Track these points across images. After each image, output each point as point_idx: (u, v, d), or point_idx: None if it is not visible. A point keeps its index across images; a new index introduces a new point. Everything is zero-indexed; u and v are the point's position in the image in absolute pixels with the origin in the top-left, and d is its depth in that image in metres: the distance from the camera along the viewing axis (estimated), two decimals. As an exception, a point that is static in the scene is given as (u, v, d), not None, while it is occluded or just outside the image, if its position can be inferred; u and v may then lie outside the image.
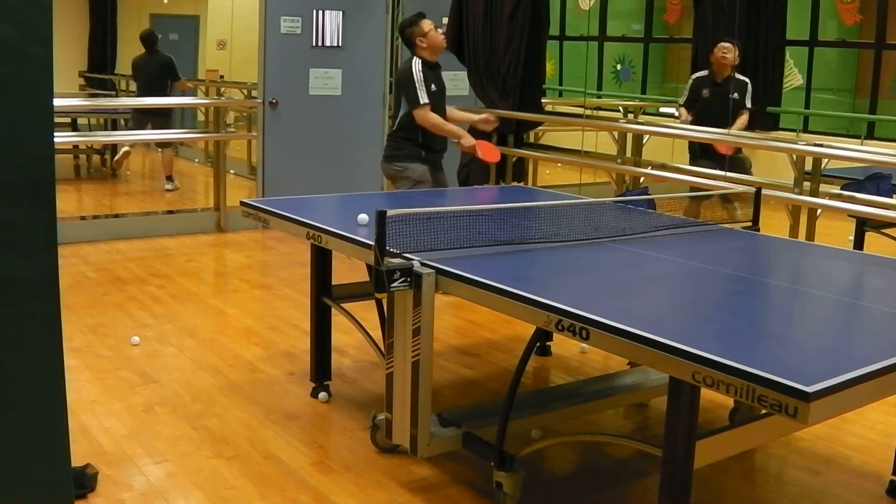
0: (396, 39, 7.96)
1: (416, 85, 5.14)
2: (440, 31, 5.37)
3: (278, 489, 3.18)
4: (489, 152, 5.56)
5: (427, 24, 5.29)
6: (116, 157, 9.36)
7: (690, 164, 6.83)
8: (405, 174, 5.34)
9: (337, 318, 4.02)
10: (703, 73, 7.01)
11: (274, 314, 5.28)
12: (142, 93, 9.27)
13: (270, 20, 7.61)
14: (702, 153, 6.77)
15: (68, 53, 10.86)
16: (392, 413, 3.13)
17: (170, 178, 9.37)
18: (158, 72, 9.31)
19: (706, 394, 2.32)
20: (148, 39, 9.40)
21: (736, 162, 6.62)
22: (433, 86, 5.23)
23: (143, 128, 8.81)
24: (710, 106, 6.84)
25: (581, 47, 13.19)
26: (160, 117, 9.03)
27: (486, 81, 7.58)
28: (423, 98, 5.14)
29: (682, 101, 7.12)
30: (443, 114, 5.37)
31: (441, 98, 5.35)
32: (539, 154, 8.69)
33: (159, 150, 9.72)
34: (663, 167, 7.10)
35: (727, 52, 6.76)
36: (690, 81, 7.04)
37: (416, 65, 5.20)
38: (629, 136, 7.03)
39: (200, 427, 3.67)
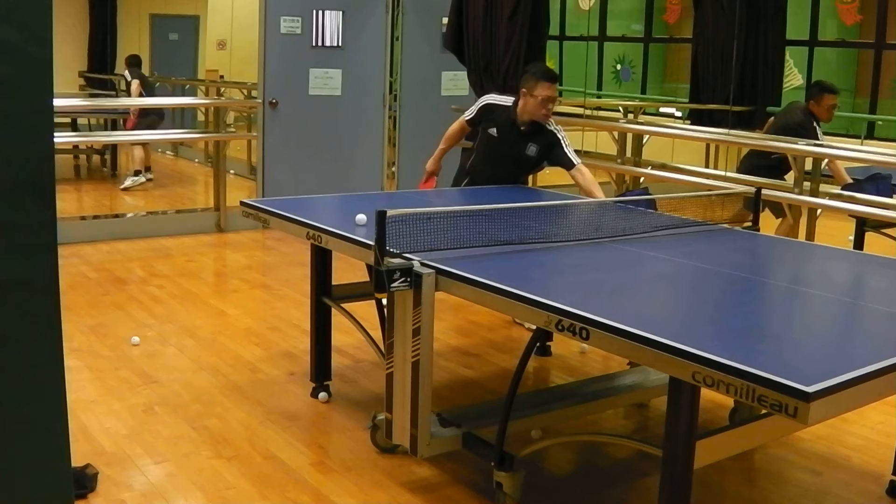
0: (396, 40, 7.98)
1: (474, 106, 4.84)
2: (552, 106, 4.67)
3: (278, 489, 3.18)
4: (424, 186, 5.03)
5: (543, 90, 4.58)
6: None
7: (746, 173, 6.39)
8: None
9: (337, 318, 4.02)
10: (808, 116, 6.33)
11: (274, 314, 5.28)
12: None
13: (270, 20, 7.61)
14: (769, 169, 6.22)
15: (68, 53, 10.85)
16: (392, 413, 3.13)
17: (147, 169, 9.43)
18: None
19: (706, 394, 2.32)
20: (133, 63, 9.56)
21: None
22: (493, 130, 4.76)
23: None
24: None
25: (581, 47, 13.17)
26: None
27: (486, 81, 7.57)
28: (466, 115, 4.89)
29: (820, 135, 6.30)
30: (504, 174, 4.81)
31: (496, 149, 4.80)
32: (539, 154, 8.67)
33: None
34: (663, 167, 7.10)
35: (837, 107, 6.36)
36: (811, 124, 6.30)
37: (491, 100, 4.84)
38: (629, 136, 7.03)
39: (200, 427, 3.67)
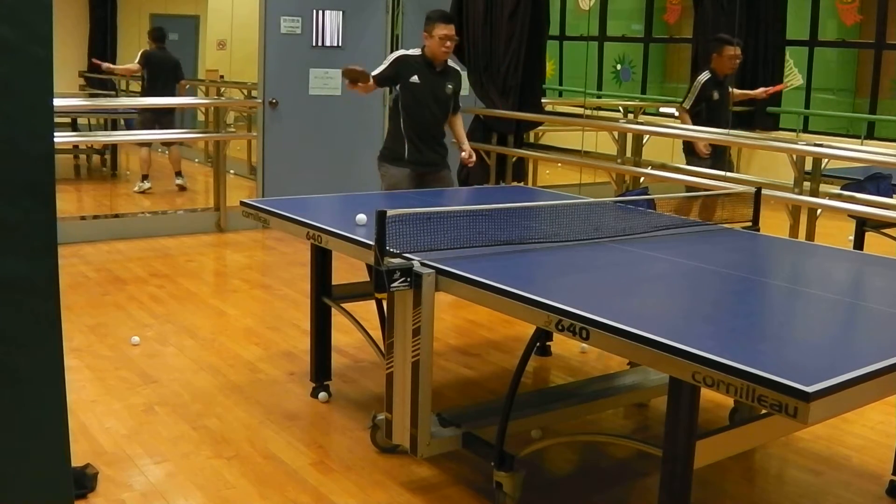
0: (396, 39, 7.98)
1: (384, 62, 5.15)
2: (450, 44, 5.06)
3: (278, 489, 3.18)
4: None
5: (440, 30, 5.04)
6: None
7: (688, 164, 6.80)
8: (382, 177, 5.20)
9: (337, 318, 4.02)
10: (707, 74, 6.72)
11: (274, 314, 5.28)
12: (151, 86, 9.30)
13: (270, 20, 7.61)
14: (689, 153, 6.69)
15: (68, 53, 10.85)
16: (392, 413, 3.13)
17: (179, 174, 9.42)
18: (170, 70, 9.37)
19: (706, 394, 2.32)
20: (157, 35, 9.47)
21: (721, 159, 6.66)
22: (415, 77, 5.01)
23: (152, 127, 8.85)
24: (719, 108, 6.66)
25: (581, 47, 13.17)
26: (168, 117, 9.10)
27: (486, 81, 7.59)
28: (374, 71, 5.02)
29: (688, 104, 6.74)
30: (436, 115, 5.16)
31: (423, 94, 5.07)
32: (539, 154, 8.69)
33: (165, 149, 9.76)
34: (663, 167, 7.10)
35: (739, 56, 6.60)
36: (700, 85, 6.68)
37: (401, 52, 5.17)
38: (629, 136, 7.03)
39: (200, 427, 3.68)
